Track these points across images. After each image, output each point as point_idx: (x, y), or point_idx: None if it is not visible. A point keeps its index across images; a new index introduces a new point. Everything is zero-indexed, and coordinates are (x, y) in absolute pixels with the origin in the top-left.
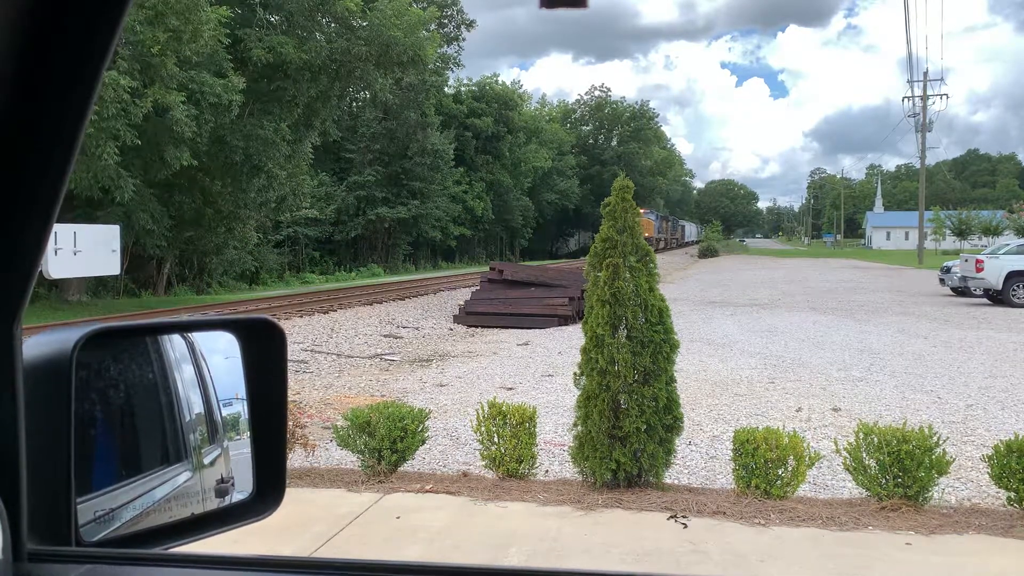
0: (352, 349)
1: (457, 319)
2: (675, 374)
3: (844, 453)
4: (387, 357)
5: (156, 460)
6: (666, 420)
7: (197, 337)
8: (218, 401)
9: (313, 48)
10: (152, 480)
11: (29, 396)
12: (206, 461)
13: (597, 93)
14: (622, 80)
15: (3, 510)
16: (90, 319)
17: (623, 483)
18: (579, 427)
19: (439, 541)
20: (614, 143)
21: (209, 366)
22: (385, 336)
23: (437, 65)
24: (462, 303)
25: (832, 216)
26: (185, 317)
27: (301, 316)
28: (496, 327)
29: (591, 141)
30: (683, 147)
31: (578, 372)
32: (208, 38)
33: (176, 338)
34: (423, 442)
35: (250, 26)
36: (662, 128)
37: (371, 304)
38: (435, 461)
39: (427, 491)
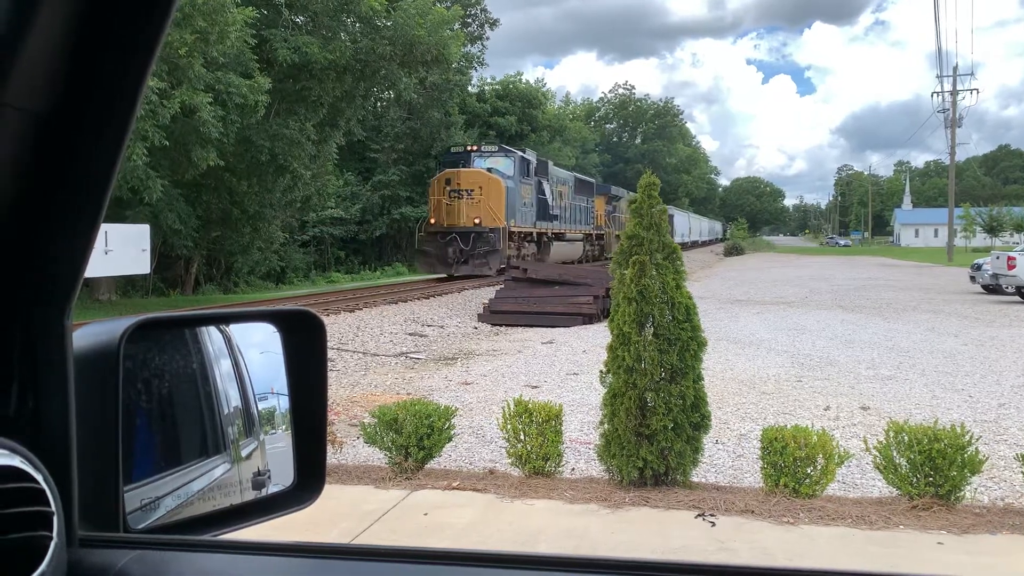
0: (378, 347)
1: (482, 318)
2: (702, 372)
3: (874, 452)
4: (412, 355)
5: (196, 451)
6: (693, 418)
7: (234, 331)
8: (254, 394)
9: (338, 48)
10: (193, 471)
11: (78, 386)
12: (243, 454)
13: (621, 91)
14: (647, 78)
15: (57, 496)
16: (123, 317)
17: (650, 481)
18: (605, 425)
19: (466, 538)
20: (638, 141)
21: (246, 360)
22: (410, 334)
23: (461, 64)
24: (486, 302)
25: (860, 213)
26: (227, 309)
27: (327, 315)
28: (520, 326)
29: (615, 139)
30: (708, 144)
31: (604, 370)
32: (235, 39)
33: (214, 332)
34: (450, 439)
35: (275, 27)
36: (687, 125)
37: (396, 303)
38: (461, 458)
39: (454, 488)
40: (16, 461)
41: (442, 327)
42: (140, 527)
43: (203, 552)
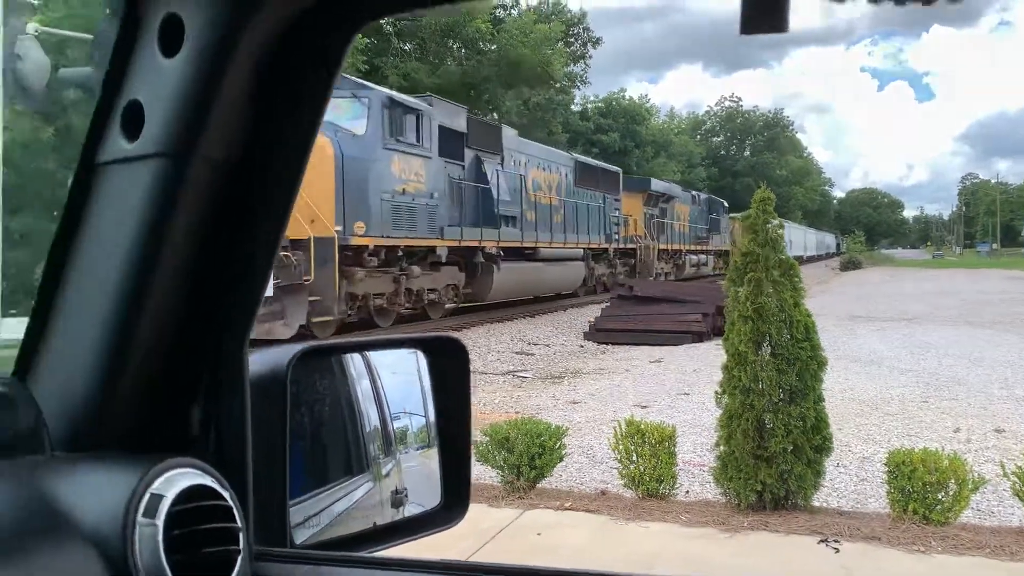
0: (485, 366)
1: (587, 336)
2: (823, 392)
3: (1013, 477)
4: (519, 374)
5: (344, 470)
6: (814, 440)
7: (371, 354)
8: (390, 415)
9: (444, 73)
10: (341, 489)
11: (252, 408)
12: (383, 473)
13: (727, 103)
14: (755, 89)
15: (241, 513)
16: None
17: (769, 505)
18: (721, 447)
19: (580, 559)
20: (746, 153)
21: (381, 381)
22: (517, 353)
23: (564, 84)
24: (592, 320)
25: (987, 224)
26: (379, 336)
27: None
28: (627, 344)
29: (722, 152)
30: (821, 155)
31: (719, 390)
32: (347, 65)
33: (356, 356)
34: (561, 459)
35: (386, 55)
36: (798, 136)
37: (501, 321)
38: (572, 479)
39: (566, 509)
40: (208, 480)
41: (548, 345)
42: (299, 543)
43: (369, 569)
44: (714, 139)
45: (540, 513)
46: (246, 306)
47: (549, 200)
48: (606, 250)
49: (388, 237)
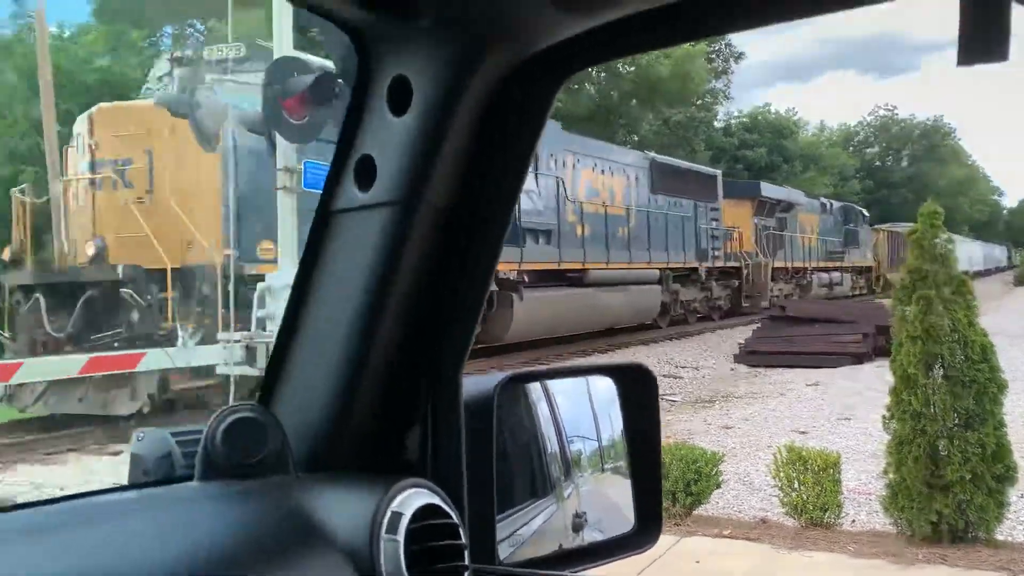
0: None
1: (737, 359)
2: (1004, 418)
3: None
4: (668, 397)
5: (531, 492)
6: (995, 469)
7: (548, 381)
8: (567, 440)
9: (582, 102)
10: (532, 510)
11: (465, 430)
12: (564, 496)
13: (882, 112)
14: (913, 93)
15: (462, 526)
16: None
17: (946, 537)
18: (890, 474)
19: None
20: (904, 164)
21: (558, 407)
22: (664, 376)
23: (706, 101)
24: (742, 342)
25: None
26: (569, 364)
27: (584, 356)
28: (780, 367)
29: (877, 163)
30: (988, 163)
31: (886, 415)
32: None
33: (537, 382)
34: (718, 486)
35: None
36: (960, 143)
37: (647, 344)
38: (728, 506)
39: (724, 536)
40: (436, 500)
41: (696, 368)
42: (503, 560)
43: None
44: (867, 150)
45: (698, 540)
46: (462, 337)
47: (607, 210)
48: (695, 270)
49: None
